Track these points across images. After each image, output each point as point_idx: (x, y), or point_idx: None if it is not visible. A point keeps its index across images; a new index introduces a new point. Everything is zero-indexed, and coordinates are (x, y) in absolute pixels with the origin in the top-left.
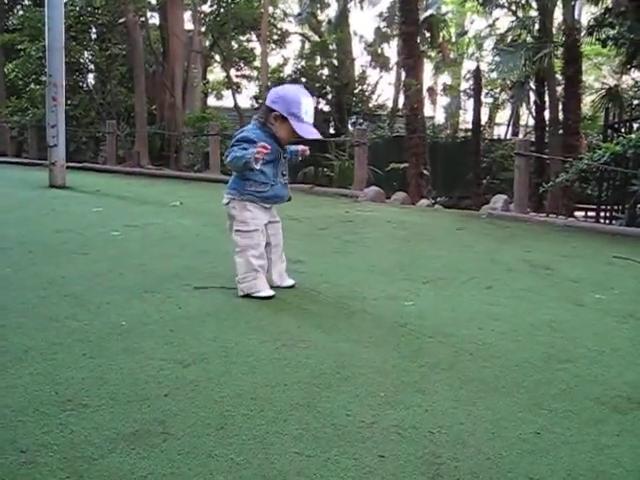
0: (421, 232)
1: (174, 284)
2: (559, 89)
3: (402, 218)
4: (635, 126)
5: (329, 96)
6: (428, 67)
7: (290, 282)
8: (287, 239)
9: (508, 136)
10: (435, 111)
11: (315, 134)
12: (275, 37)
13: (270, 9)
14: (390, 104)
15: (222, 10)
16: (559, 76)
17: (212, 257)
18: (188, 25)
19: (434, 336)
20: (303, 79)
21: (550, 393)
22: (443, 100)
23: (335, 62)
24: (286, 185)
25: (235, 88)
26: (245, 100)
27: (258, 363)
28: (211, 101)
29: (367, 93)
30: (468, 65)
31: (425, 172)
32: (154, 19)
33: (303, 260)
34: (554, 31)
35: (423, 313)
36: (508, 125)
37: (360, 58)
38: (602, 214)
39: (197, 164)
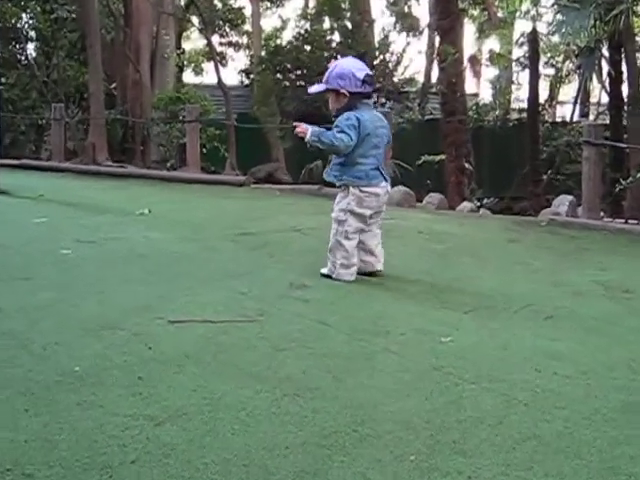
0: (462, 246)
1: (142, 317)
2: None
3: (437, 227)
4: None
5: None
6: (469, 30)
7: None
8: (287, 257)
9: (575, 118)
10: (479, 87)
11: (313, 88)
12: None
13: None
14: (421, 78)
15: None
16: None
17: (191, 282)
18: None
19: (478, 381)
20: (307, 47)
21: (629, 454)
22: (489, 72)
23: (348, 25)
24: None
25: (219, 60)
26: (232, 75)
27: (252, 420)
28: (188, 77)
29: (391, 64)
30: (521, 26)
31: (467, 166)
32: None
33: (308, 285)
34: None
35: (464, 352)
36: (575, 103)
37: (381, 19)
38: None
39: (170, 159)
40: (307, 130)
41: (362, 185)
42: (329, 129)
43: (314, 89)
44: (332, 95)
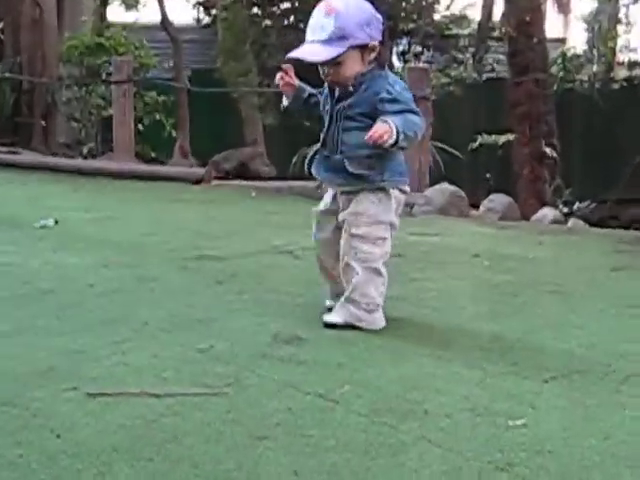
0: (540, 277)
1: (46, 388)
2: None
3: (502, 248)
4: None
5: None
6: None
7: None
8: (267, 294)
9: None
10: (567, 29)
11: (319, 52)
12: None
13: None
14: (476, 16)
15: None
16: None
17: (122, 332)
18: None
19: None
20: None
21: None
22: (583, 6)
23: None
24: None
25: None
26: (184, 10)
27: None
28: (115, 13)
29: None
30: None
31: (549, 152)
32: None
33: (302, 337)
34: None
35: (544, 443)
36: None
37: None
38: None
39: (88, 142)
40: (391, 129)
41: (403, 184)
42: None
43: (324, 54)
44: (352, 56)
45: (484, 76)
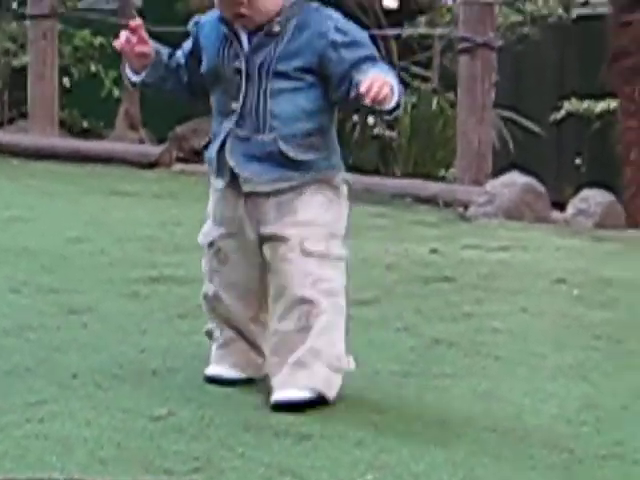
0: None
1: None
2: None
3: (599, 270)
4: None
5: None
6: None
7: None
8: None
9: None
10: None
11: None
12: None
13: None
14: None
15: None
16: None
17: (40, 387)
18: None
19: None
20: None
21: None
22: None
23: None
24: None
25: None
26: None
27: None
28: None
29: None
30: None
31: None
32: None
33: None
34: None
35: None
36: None
37: None
38: None
39: None
40: (389, 82)
41: (342, 171)
42: None
43: None
44: None
45: (574, 12)
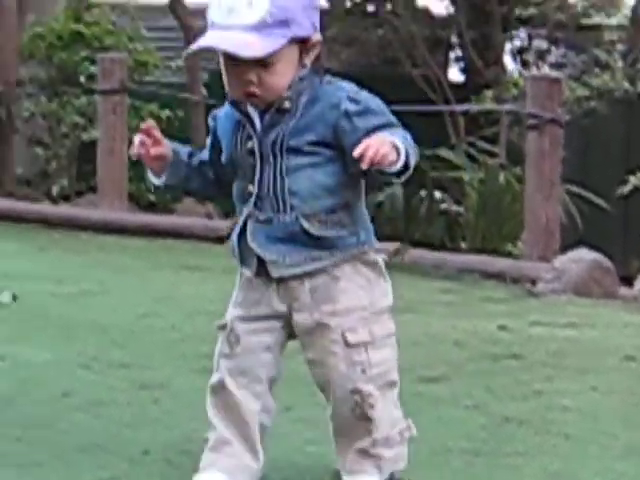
0: None
1: None
2: None
3: None
4: None
5: None
6: None
7: None
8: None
9: None
10: None
11: (206, 40)
12: None
13: None
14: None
15: None
16: None
17: (111, 463)
18: None
19: None
20: None
21: None
22: None
23: None
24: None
25: None
26: None
27: None
28: None
29: None
30: None
31: None
32: None
33: None
34: None
35: None
36: None
37: None
38: None
39: (59, 177)
40: (391, 142)
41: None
42: None
43: (259, 47)
44: (289, 53)
45: None
